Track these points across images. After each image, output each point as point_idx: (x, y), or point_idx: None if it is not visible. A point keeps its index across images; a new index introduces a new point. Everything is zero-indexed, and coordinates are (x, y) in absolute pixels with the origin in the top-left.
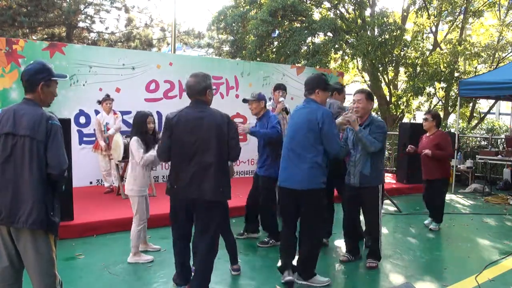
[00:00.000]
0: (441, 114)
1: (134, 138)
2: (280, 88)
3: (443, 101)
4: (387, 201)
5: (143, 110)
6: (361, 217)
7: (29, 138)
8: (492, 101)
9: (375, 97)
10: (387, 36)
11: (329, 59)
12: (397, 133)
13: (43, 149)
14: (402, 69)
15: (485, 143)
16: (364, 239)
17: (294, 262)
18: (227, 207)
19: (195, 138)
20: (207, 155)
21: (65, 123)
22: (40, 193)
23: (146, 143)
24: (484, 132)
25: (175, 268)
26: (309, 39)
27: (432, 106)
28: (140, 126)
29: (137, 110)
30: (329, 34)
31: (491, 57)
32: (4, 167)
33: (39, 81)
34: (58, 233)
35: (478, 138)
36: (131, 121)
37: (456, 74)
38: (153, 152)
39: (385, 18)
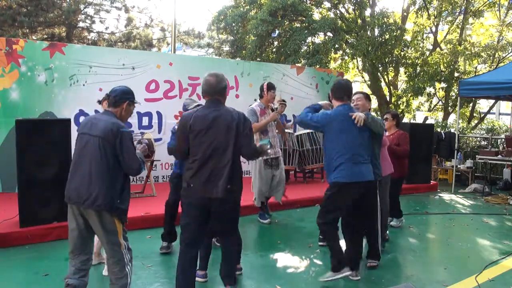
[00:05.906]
0: (441, 114)
1: None
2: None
3: (443, 101)
4: None
5: None
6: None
7: (99, 138)
8: (492, 101)
9: (375, 97)
10: (387, 36)
11: (329, 59)
12: None
13: (111, 148)
14: (402, 69)
15: (485, 143)
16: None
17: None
18: (239, 208)
19: (212, 138)
20: (224, 154)
21: (65, 123)
22: (106, 182)
23: None
24: (484, 132)
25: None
26: (309, 39)
27: (432, 106)
28: None
29: (137, 110)
30: (329, 34)
31: (491, 57)
32: (77, 160)
33: (126, 99)
34: (126, 218)
35: (478, 138)
36: (131, 121)
37: (456, 74)
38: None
39: (385, 18)
